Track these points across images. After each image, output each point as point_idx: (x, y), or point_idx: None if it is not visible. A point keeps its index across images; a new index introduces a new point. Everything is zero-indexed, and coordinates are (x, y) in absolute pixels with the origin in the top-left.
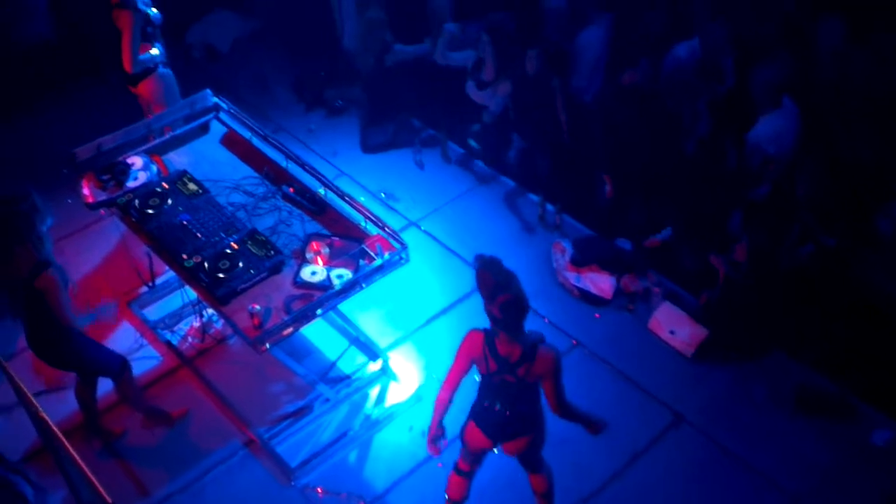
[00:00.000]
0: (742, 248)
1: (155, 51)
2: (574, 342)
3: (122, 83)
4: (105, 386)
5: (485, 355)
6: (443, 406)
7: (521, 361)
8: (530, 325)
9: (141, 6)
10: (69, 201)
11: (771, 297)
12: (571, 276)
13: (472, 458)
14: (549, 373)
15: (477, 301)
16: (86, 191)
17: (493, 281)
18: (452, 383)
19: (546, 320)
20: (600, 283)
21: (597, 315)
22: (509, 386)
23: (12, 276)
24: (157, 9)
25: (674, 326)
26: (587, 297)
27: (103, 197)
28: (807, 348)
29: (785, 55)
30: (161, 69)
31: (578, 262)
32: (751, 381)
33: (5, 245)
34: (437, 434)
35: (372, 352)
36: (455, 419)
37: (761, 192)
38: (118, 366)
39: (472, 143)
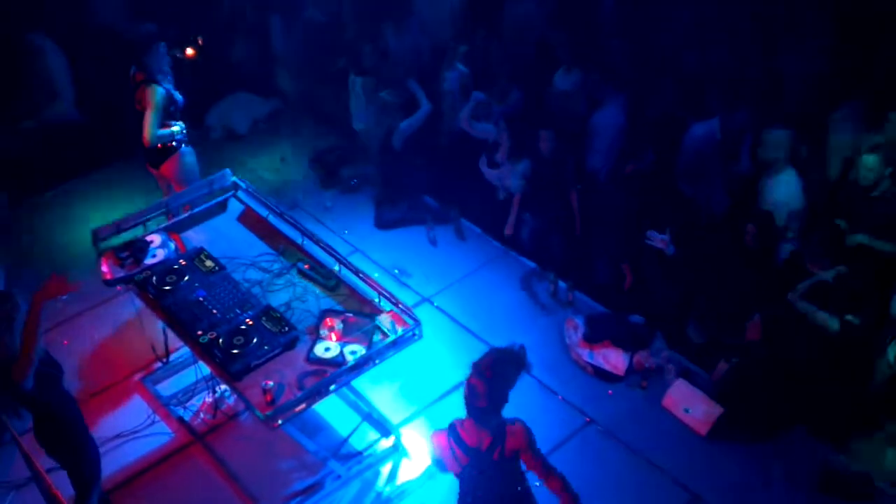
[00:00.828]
0: (755, 325)
1: (176, 128)
2: (587, 419)
3: (143, 164)
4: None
5: (452, 451)
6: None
7: (492, 447)
8: (542, 401)
9: (166, 85)
10: (87, 278)
11: (787, 373)
12: (584, 353)
13: None
14: (524, 446)
15: None
16: (104, 268)
17: (476, 361)
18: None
19: (559, 397)
20: (613, 359)
21: (610, 392)
22: (485, 473)
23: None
24: (179, 92)
25: (688, 404)
26: (600, 373)
27: (121, 274)
28: (826, 426)
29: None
30: (183, 148)
31: (591, 339)
32: (769, 459)
33: None
34: None
35: (384, 428)
36: None
37: (780, 258)
38: (88, 476)
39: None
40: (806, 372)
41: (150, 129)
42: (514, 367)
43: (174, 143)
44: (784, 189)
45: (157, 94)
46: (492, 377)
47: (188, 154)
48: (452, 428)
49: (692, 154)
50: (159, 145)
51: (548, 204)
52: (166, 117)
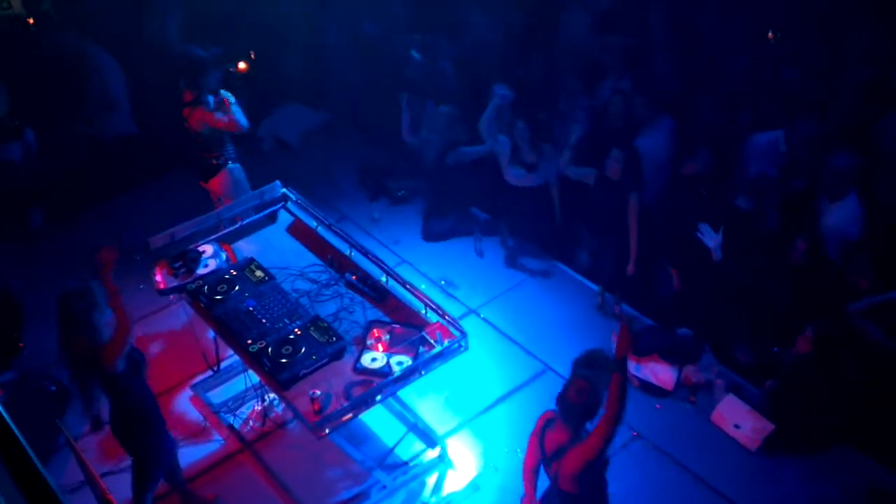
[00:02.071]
0: (806, 339)
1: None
2: (634, 433)
3: (194, 178)
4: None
5: (538, 440)
6: (527, 473)
7: (557, 455)
8: None
9: (212, 106)
10: (141, 287)
11: (838, 390)
12: (631, 366)
13: None
14: (580, 460)
15: (535, 389)
16: (158, 277)
17: (576, 359)
18: (531, 456)
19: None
20: (661, 373)
21: (658, 406)
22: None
23: (79, 362)
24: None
25: (738, 420)
26: (648, 387)
27: (174, 284)
28: (877, 444)
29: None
30: (231, 164)
31: (639, 352)
32: (820, 476)
33: (68, 334)
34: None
35: (430, 439)
36: None
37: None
38: (162, 473)
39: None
40: (856, 389)
41: (240, 119)
42: (608, 364)
43: (220, 162)
44: (841, 215)
45: (203, 116)
46: (592, 372)
47: (236, 170)
48: (550, 421)
49: (753, 166)
50: (214, 161)
51: (604, 221)
52: (214, 137)
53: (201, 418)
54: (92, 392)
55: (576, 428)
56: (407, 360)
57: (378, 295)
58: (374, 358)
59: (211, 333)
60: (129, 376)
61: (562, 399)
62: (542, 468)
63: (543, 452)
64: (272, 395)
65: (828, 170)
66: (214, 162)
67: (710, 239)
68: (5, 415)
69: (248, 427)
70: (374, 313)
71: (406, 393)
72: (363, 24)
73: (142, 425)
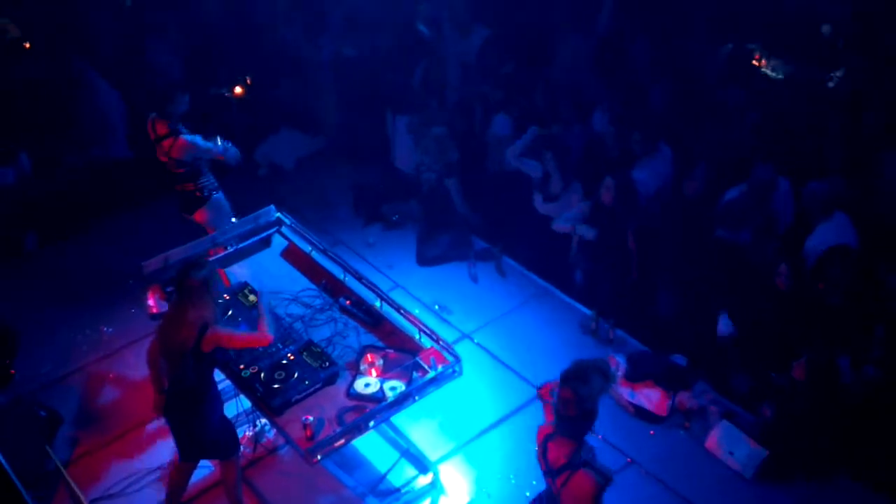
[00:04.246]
0: (801, 365)
1: (219, 142)
2: (629, 460)
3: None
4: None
5: (540, 450)
6: None
7: (561, 470)
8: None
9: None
10: (132, 311)
11: (832, 416)
12: (626, 392)
13: None
14: (585, 500)
15: (529, 415)
16: (150, 301)
17: (563, 371)
18: None
19: (599, 437)
20: (655, 399)
21: (652, 432)
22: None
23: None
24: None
25: (732, 447)
26: (642, 413)
27: (166, 308)
28: (873, 472)
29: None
30: (214, 195)
31: (633, 378)
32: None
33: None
34: None
35: (422, 464)
36: None
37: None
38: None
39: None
40: (852, 417)
41: (223, 154)
42: (600, 375)
43: (203, 193)
44: (821, 236)
45: (188, 138)
46: (577, 383)
47: (219, 200)
48: (552, 434)
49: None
50: (197, 193)
51: (606, 250)
52: (195, 167)
53: None
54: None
55: (577, 440)
56: (400, 386)
57: (372, 320)
58: (367, 383)
59: None
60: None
61: (556, 413)
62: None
63: (547, 464)
64: (263, 421)
65: (803, 198)
66: (197, 194)
67: (726, 327)
68: None
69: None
70: (367, 338)
71: (399, 418)
72: (346, 48)
73: (202, 408)
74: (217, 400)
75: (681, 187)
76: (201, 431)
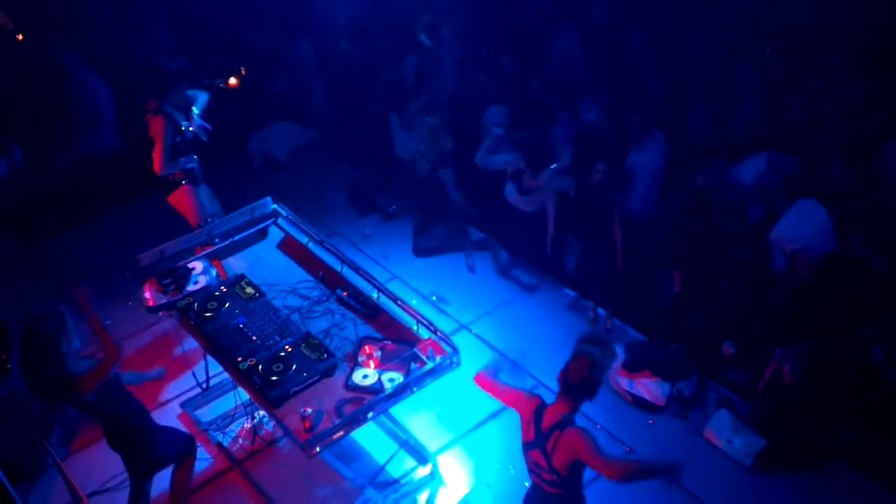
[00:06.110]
0: (788, 359)
1: (182, 161)
2: (627, 449)
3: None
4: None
5: (530, 421)
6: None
7: (553, 429)
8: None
9: (175, 116)
10: (129, 304)
11: (826, 407)
12: (624, 382)
13: None
14: (583, 448)
15: None
16: (147, 294)
17: (581, 338)
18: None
19: (598, 426)
20: (653, 389)
21: (650, 422)
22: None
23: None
24: (208, 121)
25: (730, 435)
26: (640, 403)
27: (164, 301)
28: (872, 460)
29: None
30: (194, 185)
31: (631, 368)
32: (813, 492)
33: (35, 356)
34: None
35: (421, 456)
36: None
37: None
38: (186, 444)
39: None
40: (848, 406)
41: (159, 159)
42: (602, 348)
43: (179, 178)
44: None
45: (162, 124)
46: (597, 349)
47: (195, 189)
48: (544, 405)
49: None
50: (170, 178)
51: (591, 232)
52: (174, 150)
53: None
54: (61, 414)
55: (575, 405)
56: (398, 377)
57: (369, 311)
58: (365, 375)
59: (201, 351)
60: (103, 403)
61: (564, 377)
62: (526, 453)
63: (538, 431)
64: (262, 413)
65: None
66: (173, 178)
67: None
68: None
69: (238, 445)
70: (365, 330)
71: (397, 409)
72: (341, 42)
73: (132, 434)
74: (143, 418)
75: (693, 179)
76: (143, 453)
